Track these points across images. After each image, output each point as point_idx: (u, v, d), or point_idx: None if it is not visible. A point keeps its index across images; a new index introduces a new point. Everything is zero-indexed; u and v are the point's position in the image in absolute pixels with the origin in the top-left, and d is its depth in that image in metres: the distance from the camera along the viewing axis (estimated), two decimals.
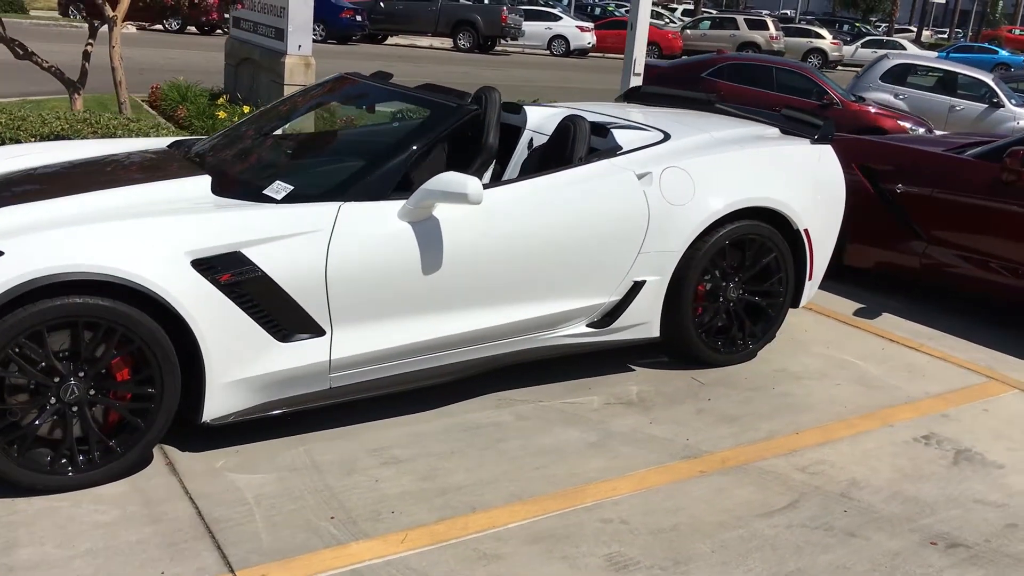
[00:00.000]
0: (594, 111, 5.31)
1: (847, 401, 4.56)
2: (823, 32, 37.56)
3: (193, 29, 25.82)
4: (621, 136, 4.74)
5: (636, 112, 5.31)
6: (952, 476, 3.90)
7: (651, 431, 4.10)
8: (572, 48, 32.16)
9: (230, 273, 3.50)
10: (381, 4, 29.16)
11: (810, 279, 5.00)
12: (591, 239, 4.29)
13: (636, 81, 8.56)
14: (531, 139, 5.21)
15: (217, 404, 3.58)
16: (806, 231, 4.86)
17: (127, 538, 3.10)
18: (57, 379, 3.28)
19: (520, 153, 5.23)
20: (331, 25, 27.27)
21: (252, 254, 3.54)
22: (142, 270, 3.30)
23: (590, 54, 32.94)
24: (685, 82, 13.77)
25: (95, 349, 3.31)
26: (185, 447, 3.69)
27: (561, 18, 32.93)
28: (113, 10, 7.86)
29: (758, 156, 4.86)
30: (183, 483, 3.46)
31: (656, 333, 4.60)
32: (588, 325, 4.46)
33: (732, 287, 4.76)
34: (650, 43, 33.71)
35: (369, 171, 3.94)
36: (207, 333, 3.46)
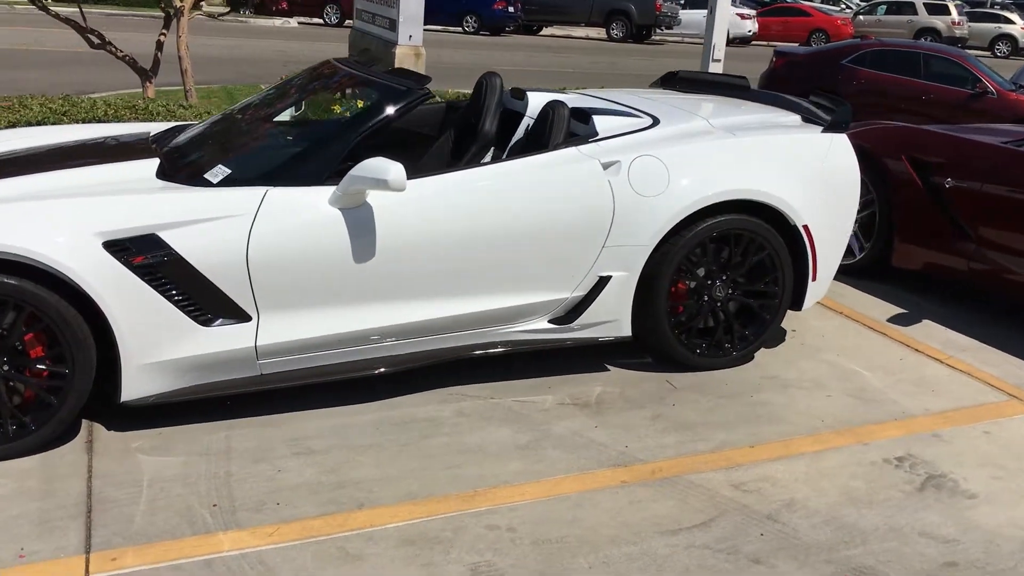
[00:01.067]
0: (598, 96, 5.07)
1: (828, 414, 4.13)
2: (1013, 17, 34.87)
3: (350, 22, 26.67)
4: (604, 122, 4.48)
5: (640, 98, 5.01)
6: (908, 504, 3.46)
7: (592, 435, 3.86)
8: (732, 37, 31.07)
9: (144, 255, 3.52)
10: None
11: (814, 279, 4.56)
12: (546, 230, 4.08)
13: (716, 68, 8.15)
14: (528, 125, 5.02)
15: (135, 385, 3.61)
16: (806, 227, 4.44)
17: (8, 512, 3.16)
18: None
19: (517, 139, 5.05)
20: (483, 16, 27.56)
21: (168, 237, 3.55)
22: (47, 249, 3.35)
23: (752, 42, 31.83)
24: (822, 71, 12.98)
25: (7, 326, 3.40)
26: (111, 426, 3.74)
27: None
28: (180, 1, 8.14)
29: (752, 145, 4.48)
30: (91, 461, 3.51)
31: (627, 332, 4.33)
32: (550, 321, 4.25)
33: (719, 286, 4.42)
34: (817, 30, 32.53)
35: (303, 156, 3.90)
36: (119, 314, 3.49)
